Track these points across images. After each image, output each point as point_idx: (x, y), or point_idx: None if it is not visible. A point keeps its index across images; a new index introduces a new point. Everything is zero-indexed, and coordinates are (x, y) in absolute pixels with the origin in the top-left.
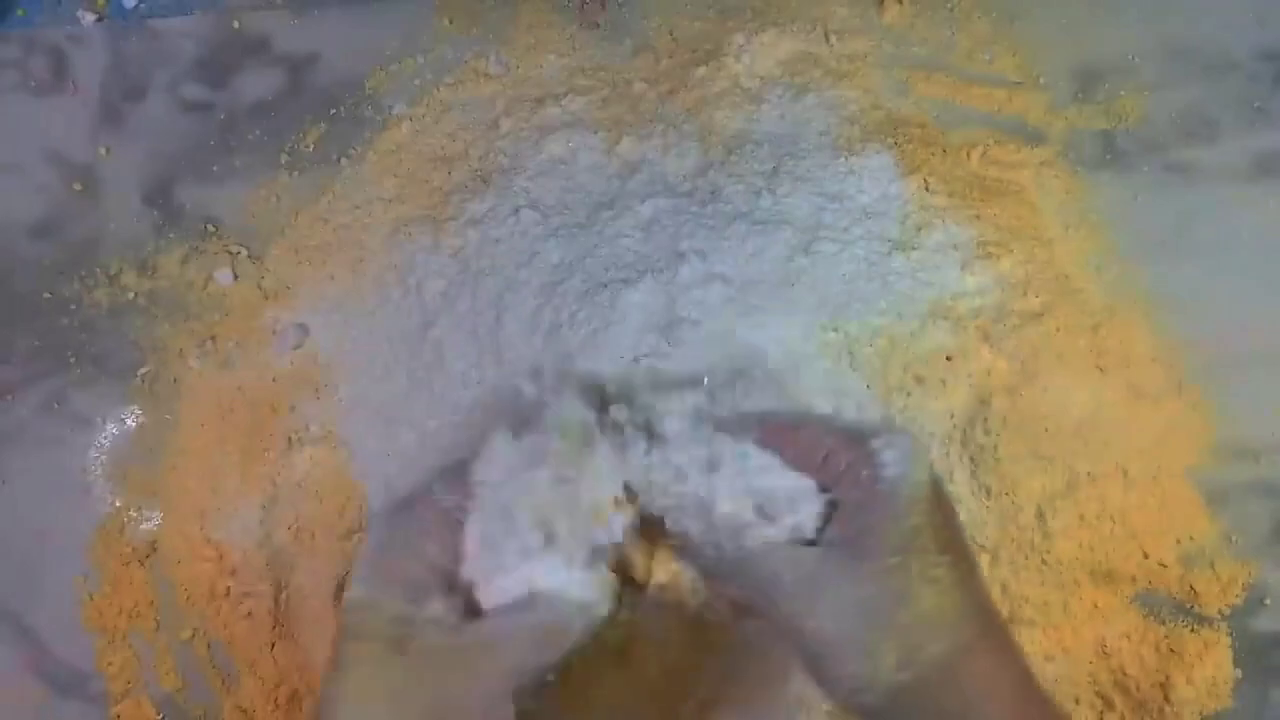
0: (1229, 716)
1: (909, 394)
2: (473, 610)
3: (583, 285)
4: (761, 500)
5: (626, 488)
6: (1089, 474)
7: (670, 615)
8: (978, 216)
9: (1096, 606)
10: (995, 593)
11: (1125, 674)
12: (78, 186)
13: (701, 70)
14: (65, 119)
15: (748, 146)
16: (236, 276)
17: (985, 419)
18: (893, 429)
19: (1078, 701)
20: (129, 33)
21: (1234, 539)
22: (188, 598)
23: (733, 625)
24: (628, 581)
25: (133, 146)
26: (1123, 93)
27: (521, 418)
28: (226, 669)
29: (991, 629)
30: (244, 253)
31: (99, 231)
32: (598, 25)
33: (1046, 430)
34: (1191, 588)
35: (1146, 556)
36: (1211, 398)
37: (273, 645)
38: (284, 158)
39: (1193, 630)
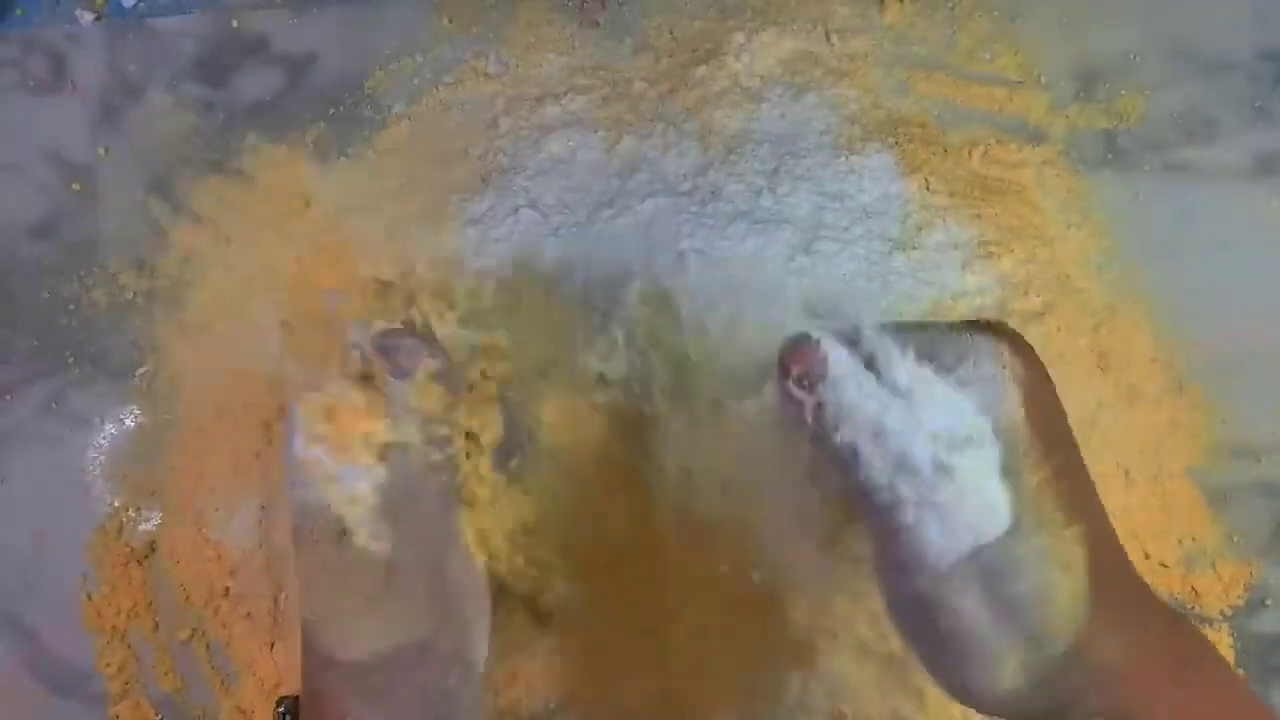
0: None
1: None
2: None
3: (582, 284)
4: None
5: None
6: (1092, 474)
7: None
8: (978, 216)
9: None
10: None
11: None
12: (76, 186)
13: (701, 69)
14: (64, 118)
15: (748, 146)
16: None
17: None
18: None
19: None
20: (127, 32)
21: (1235, 539)
22: (187, 598)
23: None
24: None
25: (132, 146)
26: (1123, 92)
27: None
28: (225, 669)
29: (1109, 593)
30: None
31: (98, 231)
32: (597, 24)
33: None
34: (1193, 588)
35: (1147, 557)
36: (1212, 398)
37: (272, 645)
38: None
39: None
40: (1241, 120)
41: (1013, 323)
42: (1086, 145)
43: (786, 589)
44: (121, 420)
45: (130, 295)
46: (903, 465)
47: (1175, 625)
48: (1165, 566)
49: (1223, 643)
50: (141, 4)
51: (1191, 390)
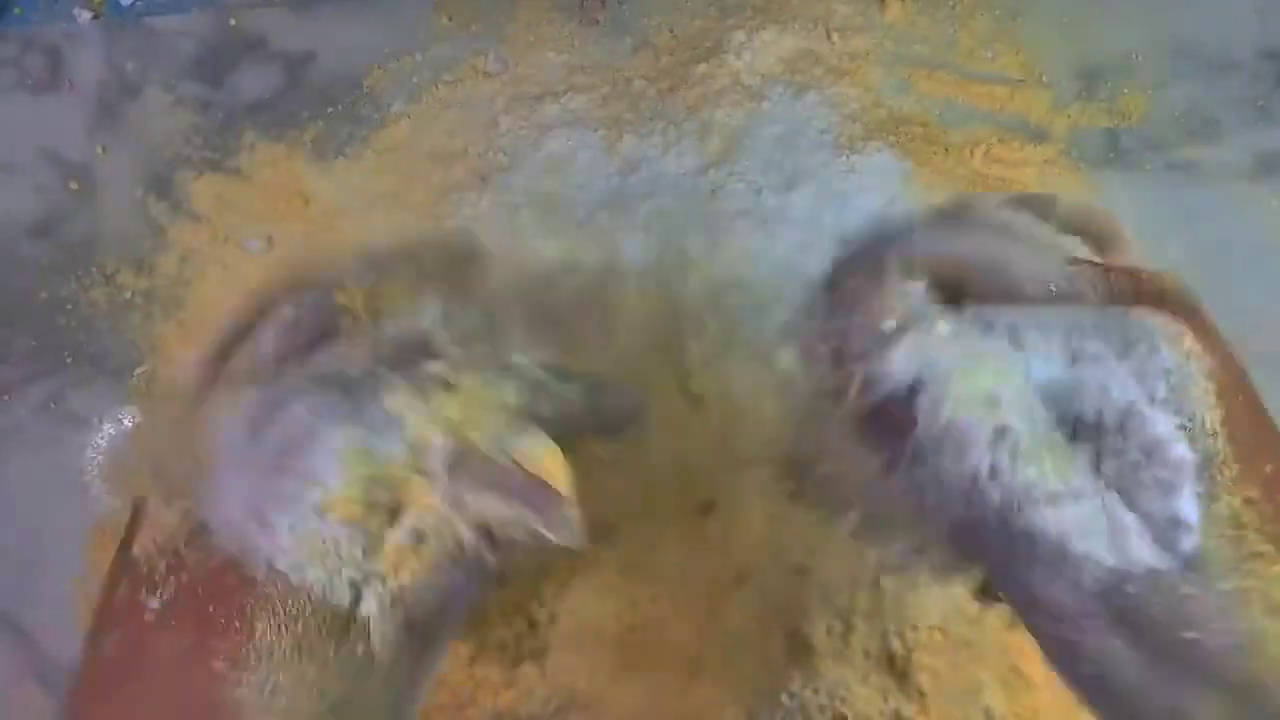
0: None
1: None
2: None
3: (580, 284)
4: None
5: None
6: None
7: None
8: None
9: None
10: None
11: None
12: (74, 185)
13: (702, 68)
14: (62, 117)
15: (748, 144)
16: None
17: None
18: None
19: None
20: (125, 31)
21: None
22: None
23: None
24: None
25: (130, 145)
26: (1125, 91)
27: None
28: None
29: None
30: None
31: (96, 230)
32: (597, 22)
33: None
34: None
35: None
36: None
37: None
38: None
39: None
40: (1243, 120)
41: None
42: (1088, 144)
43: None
44: (120, 420)
45: (129, 295)
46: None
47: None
48: None
49: None
50: (139, 3)
51: None
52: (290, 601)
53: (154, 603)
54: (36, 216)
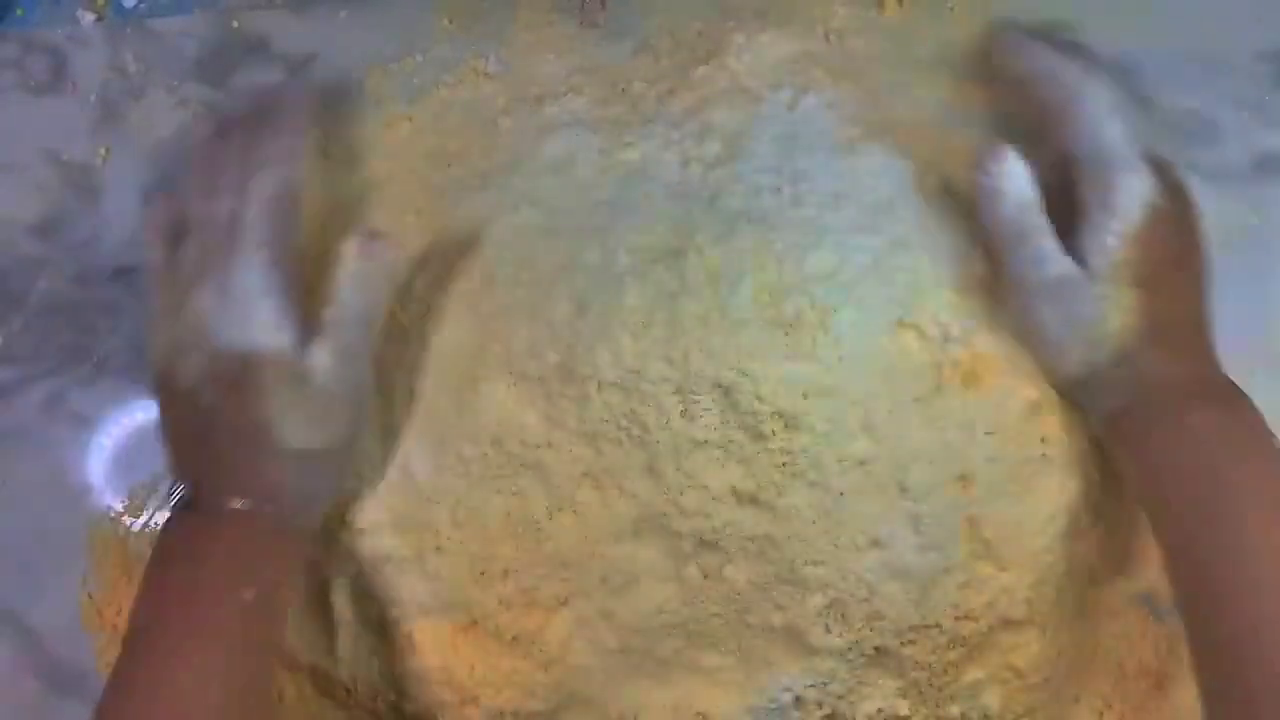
0: None
1: None
2: None
3: (581, 284)
4: None
5: None
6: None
7: None
8: None
9: (1097, 606)
10: (995, 594)
11: (1123, 673)
12: (77, 187)
13: (702, 70)
14: (64, 119)
15: (748, 146)
16: None
17: None
18: (1133, 166)
19: (1077, 700)
20: (128, 32)
21: None
22: None
23: None
24: None
25: (132, 146)
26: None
27: None
28: None
29: (1166, 343)
30: None
31: (98, 231)
32: (598, 25)
33: None
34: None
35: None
36: None
37: None
38: None
39: None
40: (1241, 121)
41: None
42: None
43: None
44: (122, 421)
45: (131, 295)
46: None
47: (1226, 386)
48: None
49: None
50: (142, 4)
51: None
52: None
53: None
54: (38, 217)
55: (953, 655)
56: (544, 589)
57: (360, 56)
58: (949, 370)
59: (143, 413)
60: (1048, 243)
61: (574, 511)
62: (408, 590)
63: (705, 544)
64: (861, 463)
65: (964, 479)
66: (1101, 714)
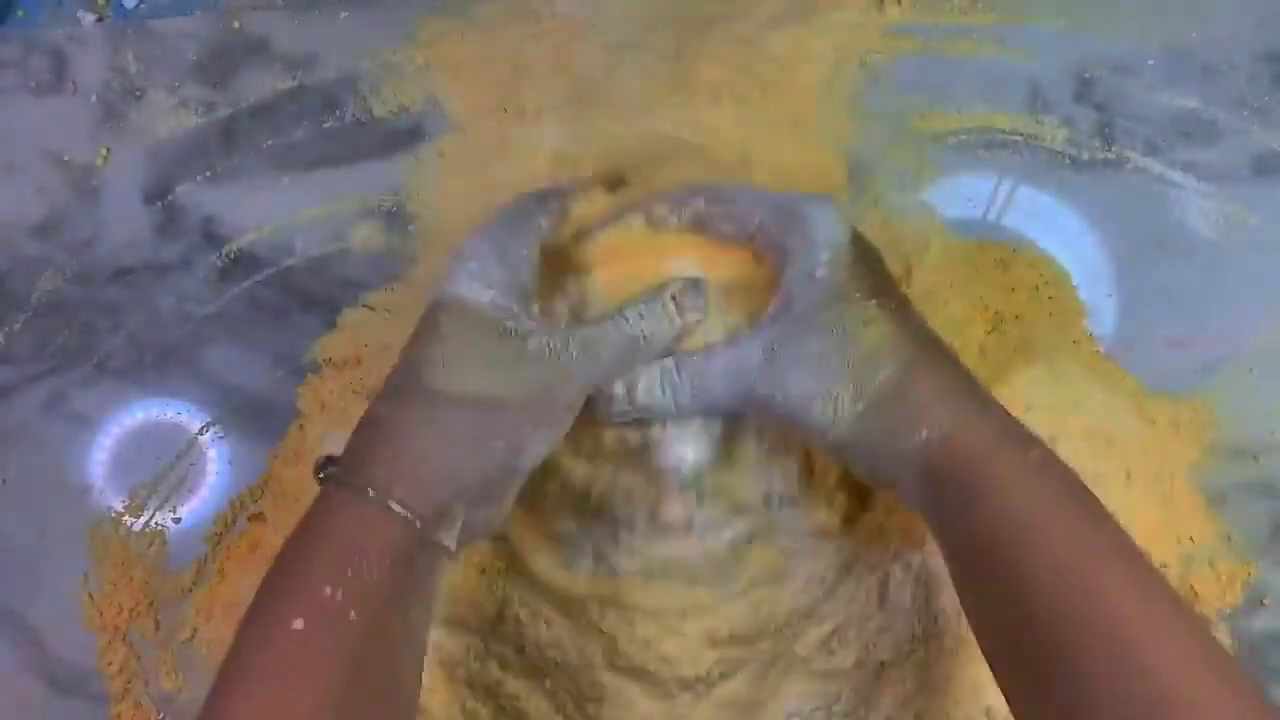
0: None
1: None
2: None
3: None
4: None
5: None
6: (1093, 474)
7: None
8: None
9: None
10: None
11: None
12: (77, 187)
13: None
14: (65, 119)
15: None
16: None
17: None
18: (812, 196)
19: None
20: (129, 33)
21: (1233, 539)
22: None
23: None
24: None
25: (133, 147)
26: (1123, 93)
27: None
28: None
29: (929, 345)
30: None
31: (99, 232)
32: None
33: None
34: (1191, 587)
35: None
36: (1211, 398)
37: None
38: (284, 158)
39: None
40: (1240, 121)
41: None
42: (1085, 146)
43: None
44: (122, 420)
45: (132, 296)
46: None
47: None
48: (1164, 566)
49: (1221, 642)
50: (143, 5)
51: (1191, 390)
52: (463, 311)
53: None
54: (39, 217)
55: (956, 658)
56: None
57: (361, 57)
58: None
59: (142, 412)
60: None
61: None
62: None
63: None
64: None
65: None
66: None
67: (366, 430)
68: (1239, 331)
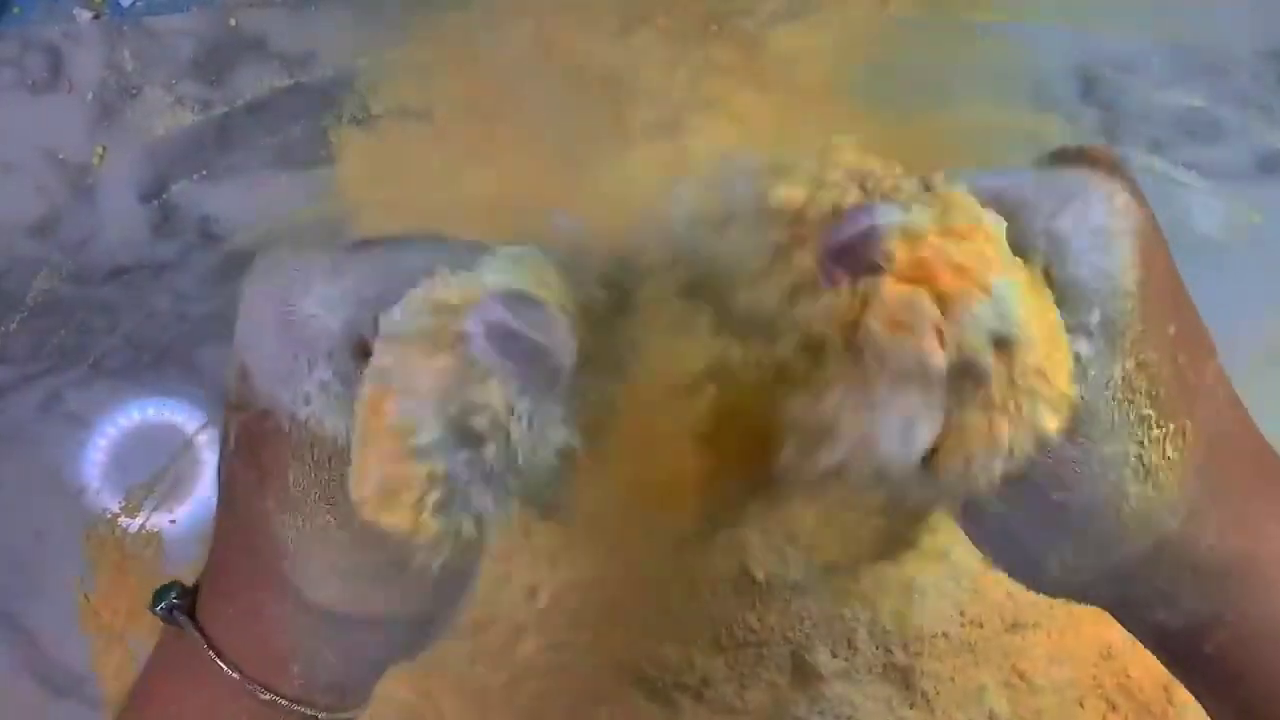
0: None
1: None
2: None
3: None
4: None
5: None
6: None
7: None
8: None
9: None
10: (999, 597)
11: (1129, 676)
12: (73, 185)
13: None
14: (61, 117)
15: None
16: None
17: None
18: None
19: (1081, 705)
20: (125, 31)
21: None
22: None
23: None
24: None
25: (129, 145)
26: (1124, 92)
27: None
28: None
29: (1210, 490)
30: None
31: (95, 231)
32: None
33: None
34: None
35: None
36: None
37: None
38: (281, 156)
39: None
40: (1243, 120)
41: None
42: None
43: None
44: (119, 421)
45: (129, 295)
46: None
47: None
48: None
49: None
50: (139, 3)
51: None
52: (316, 450)
53: (231, 438)
54: (35, 216)
55: (959, 662)
56: None
57: (359, 55)
58: None
59: (139, 413)
60: None
61: None
62: None
63: None
64: None
65: None
66: (1105, 716)
67: (221, 580)
68: (1243, 330)
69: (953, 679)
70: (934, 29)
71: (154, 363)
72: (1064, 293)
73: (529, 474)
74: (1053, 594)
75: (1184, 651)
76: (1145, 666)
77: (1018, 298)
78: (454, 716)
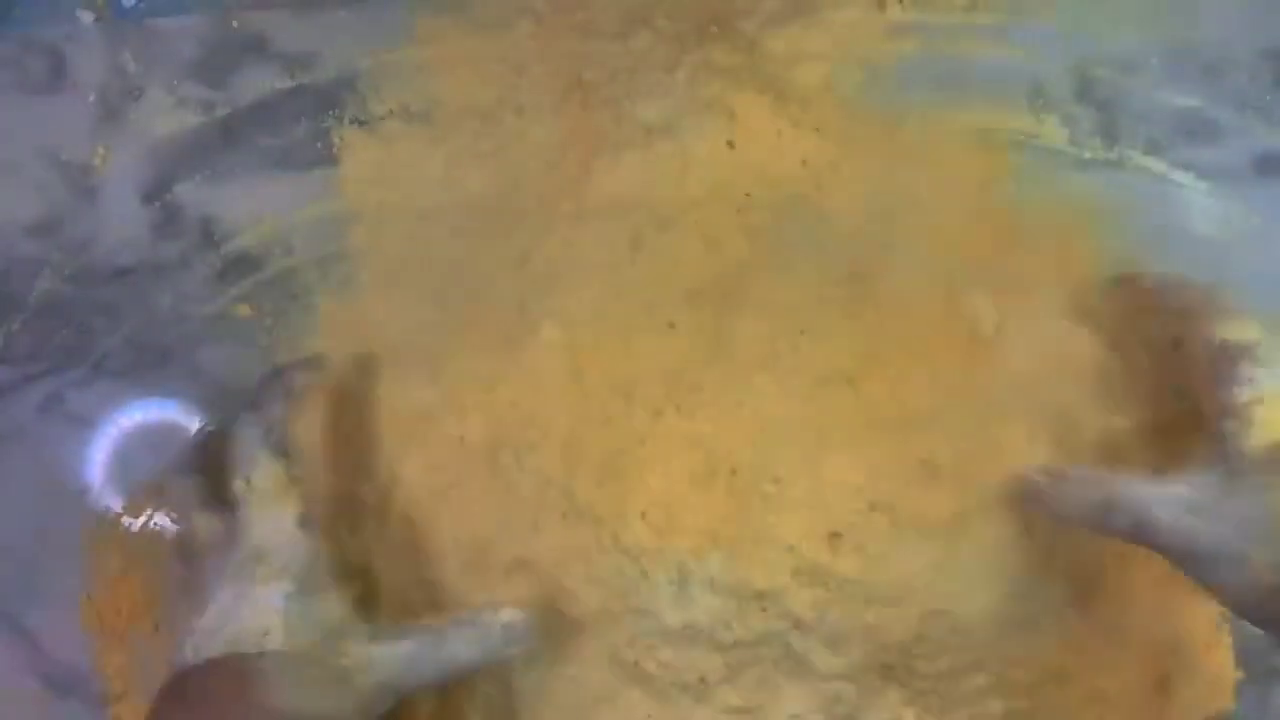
0: (1231, 717)
1: None
2: None
3: None
4: None
5: None
6: None
7: None
8: None
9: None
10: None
11: (1126, 675)
12: (75, 186)
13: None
14: (63, 118)
15: None
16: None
17: None
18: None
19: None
20: (127, 32)
21: None
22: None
23: None
24: None
25: (131, 146)
26: (1124, 92)
27: None
28: None
29: None
30: None
31: (97, 231)
32: None
33: None
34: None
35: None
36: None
37: None
38: (283, 157)
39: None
40: (1242, 120)
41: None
42: (1085, 145)
43: None
44: (120, 420)
45: (130, 296)
46: None
47: None
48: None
49: (1221, 642)
50: (141, 4)
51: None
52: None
53: None
54: (37, 217)
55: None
56: None
57: (361, 56)
58: None
59: (141, 413)
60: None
61: None
62: None
63: None
64: None
65: None
66: (1103, 716)
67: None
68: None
69: (951, 680)
70: (931, 30)
71: (156, 363)
72: None
73: None
74: (1256, 609)
75: None
76: (1141, 665)
77: None
78: None
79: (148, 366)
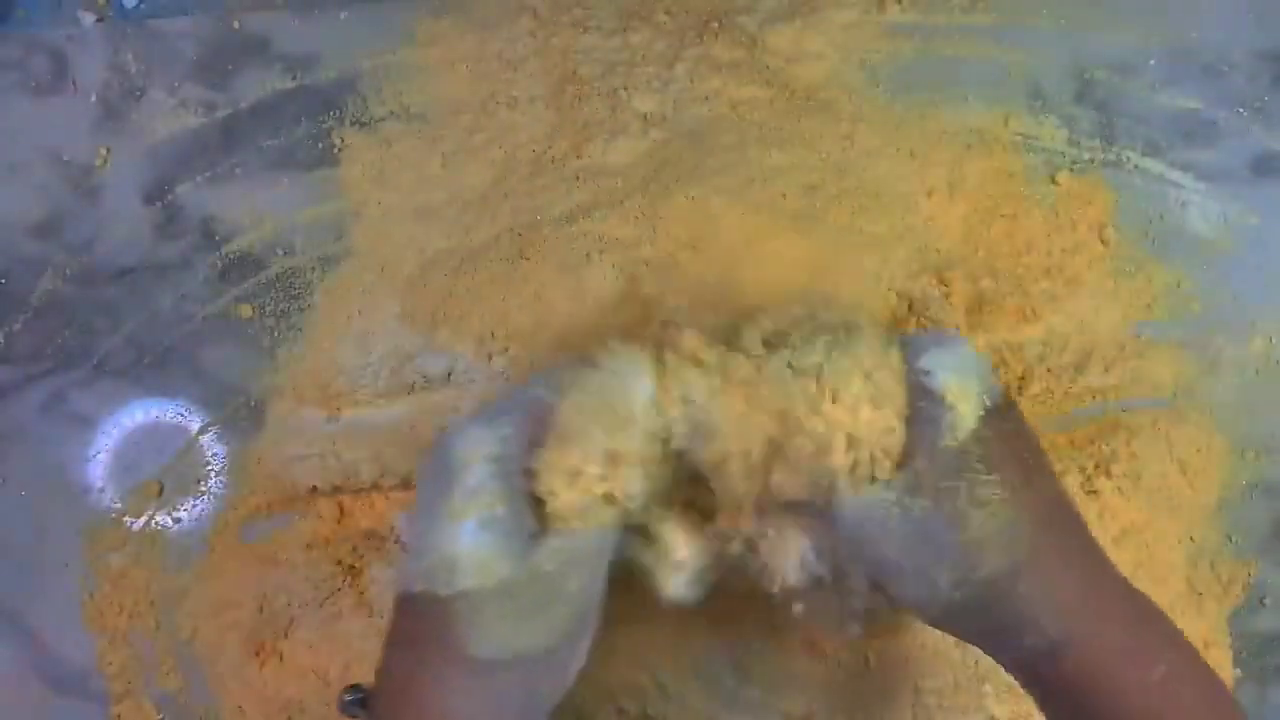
0: None
1: None
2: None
3: None
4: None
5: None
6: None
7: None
8: None
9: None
10: None
11: None
12: (77, 187)
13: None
14: (65, 119)
15: None
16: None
17: None
18: (943, 344)
19: None
20: (129, 33)
21: (1234, 539)
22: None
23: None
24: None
25: (133, 147)
26: (1123, 93)
27: None
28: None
29: (1051, 535)
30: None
31: (99, 232)
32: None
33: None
34: (1192, 587)
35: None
36: (1211, 398)
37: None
38: (284, 158)
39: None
40: (1240, 121)
41: (1010, 320)
42: (1085, 146)
43: None
44: (122, 420)
45: (131, 296)
46: None
47: (1130, 592)
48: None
49: (1221, 642)
50: (143, 5)
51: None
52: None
53: None
54: (39, 217)
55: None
56: None
57: (361, 57)
58: None
59: (142, 413)
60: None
61: None
62: None
63: None
64: None
65: None
66: None
67: (398, 698)
68: (1237, 331)
69: (954, 686)
70: (930, 30)
71: (157, 363)
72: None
73: None
74: (940, 621)
75: (1040, 674)
76: None
77: None
78: None
79: (149, 366)
